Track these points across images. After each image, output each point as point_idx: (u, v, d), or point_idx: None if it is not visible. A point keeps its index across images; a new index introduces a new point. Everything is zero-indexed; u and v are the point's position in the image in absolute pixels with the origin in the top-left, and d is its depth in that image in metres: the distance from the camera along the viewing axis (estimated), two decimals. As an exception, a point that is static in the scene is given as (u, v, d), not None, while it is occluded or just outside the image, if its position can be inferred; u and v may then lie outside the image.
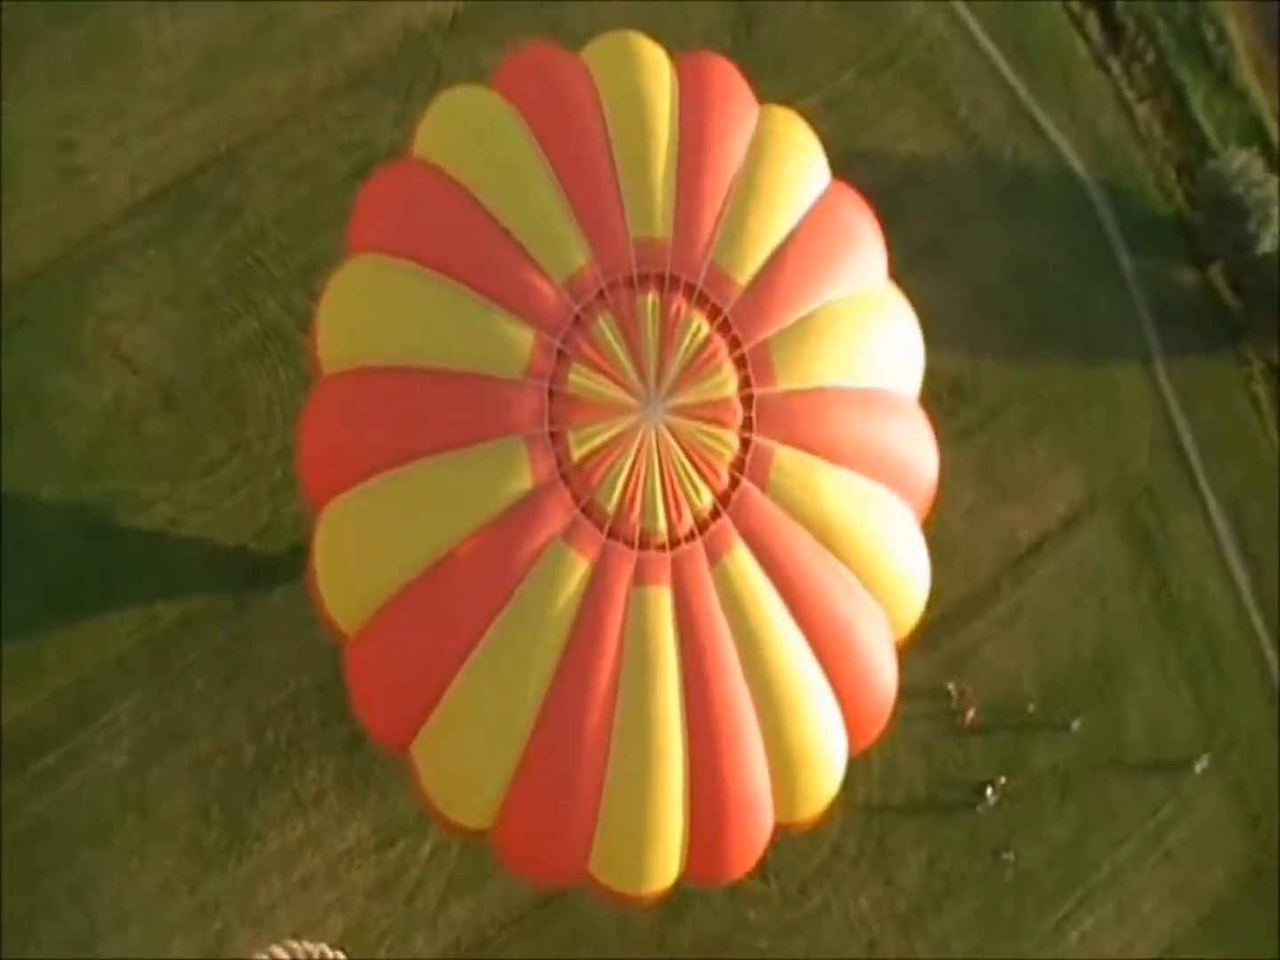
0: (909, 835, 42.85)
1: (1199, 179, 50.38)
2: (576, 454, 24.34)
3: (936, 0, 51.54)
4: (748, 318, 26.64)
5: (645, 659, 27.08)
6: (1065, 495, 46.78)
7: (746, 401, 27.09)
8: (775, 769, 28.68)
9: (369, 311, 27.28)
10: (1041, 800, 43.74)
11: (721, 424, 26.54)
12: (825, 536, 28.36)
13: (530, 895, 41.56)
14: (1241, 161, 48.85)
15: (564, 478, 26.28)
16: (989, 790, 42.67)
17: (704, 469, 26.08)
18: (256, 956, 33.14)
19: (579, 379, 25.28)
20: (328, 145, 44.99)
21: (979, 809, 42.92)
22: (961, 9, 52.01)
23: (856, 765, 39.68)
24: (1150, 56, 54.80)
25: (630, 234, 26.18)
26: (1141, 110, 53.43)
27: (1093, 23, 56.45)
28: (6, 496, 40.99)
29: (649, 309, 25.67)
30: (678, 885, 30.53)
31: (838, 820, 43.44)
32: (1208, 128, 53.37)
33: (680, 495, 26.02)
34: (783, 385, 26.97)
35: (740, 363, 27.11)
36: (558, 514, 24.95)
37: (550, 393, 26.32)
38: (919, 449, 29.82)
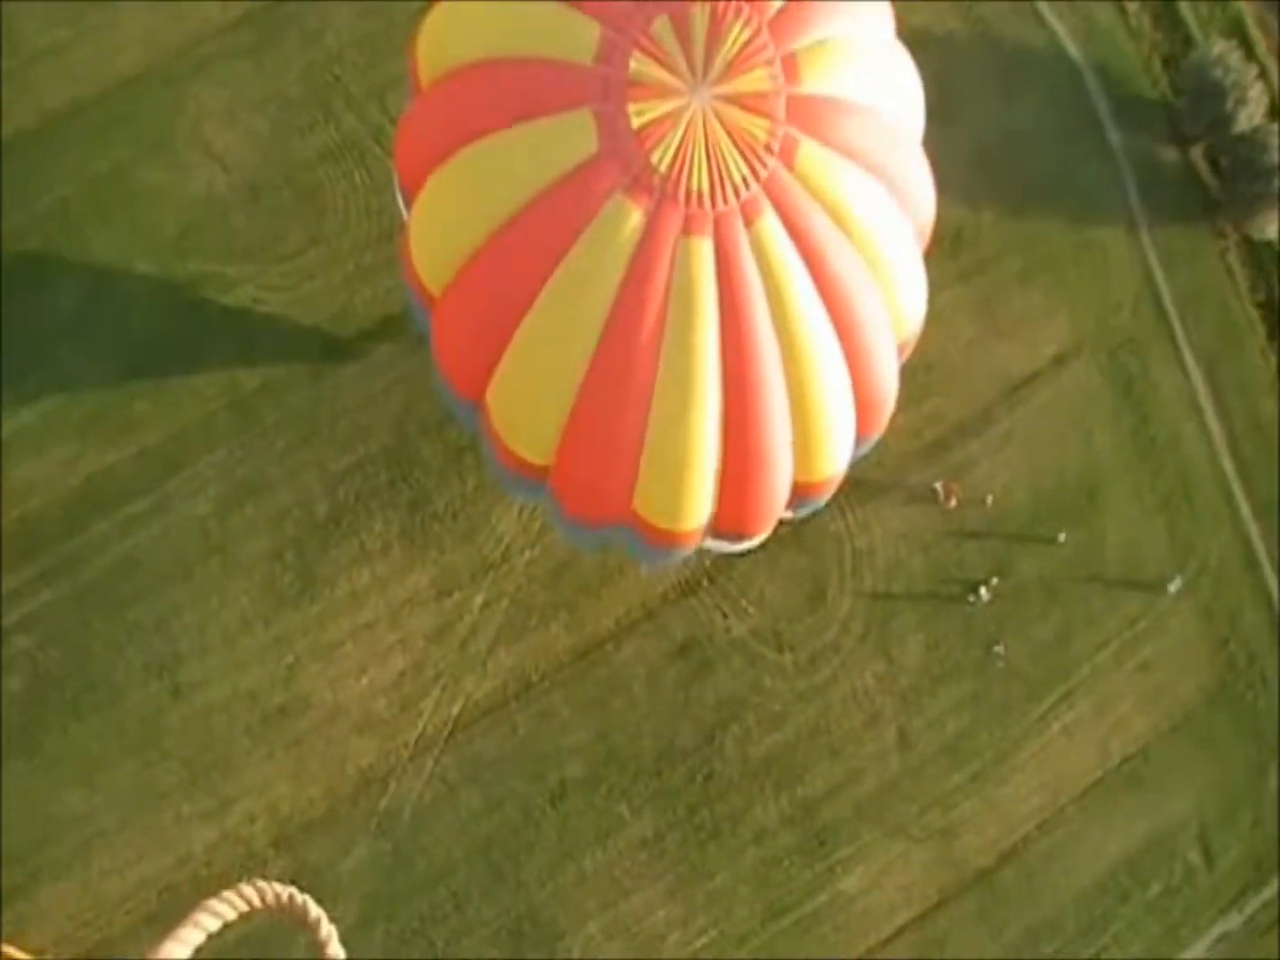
0: (909, 622, 55.26)
1: (1183, 67, 66.18)
2: (635, 123, 35.52)
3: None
4: (781, 31, 37.23)
5: (688, 304, 36.85)
6: (1055, 337, 60.04)
7: (778, 103, 36.75)
8: (796, 423, 39.07)
9: (461, 23, 39.10)
10: (1029, 603, 56.67)
11: (757, 112, 36.51)
12: (842, 223, 38.27)
13: (569, 645, 54.60)
14: (1222, 49, 62.52)
15: (623, 142, 35.89)
16: (982, 589, 55.27)
17: (741, 147, 36.61)
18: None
19: (638, 66, 36.04)
20: None
21: (973, 603, 55.06)
22: None
23: (864, 556, 52.71)
24: None
25: None
26: (1133, 6, 65.85)
27: None
28: (105, 271, 50.70)
29: (699, 14, 36.40)
30: (712, 531, 41.01)
31: (845, 603, 57.88)
32: (1192, 24, 67.99)
33: (720, 166, 36.35)
34: (808, 89, 37.37)
35: (773, 65, 36.69)
36: (617, 170, 35.89)
37: (613, 78, 36.00)
38: (922, 181, 42.11)
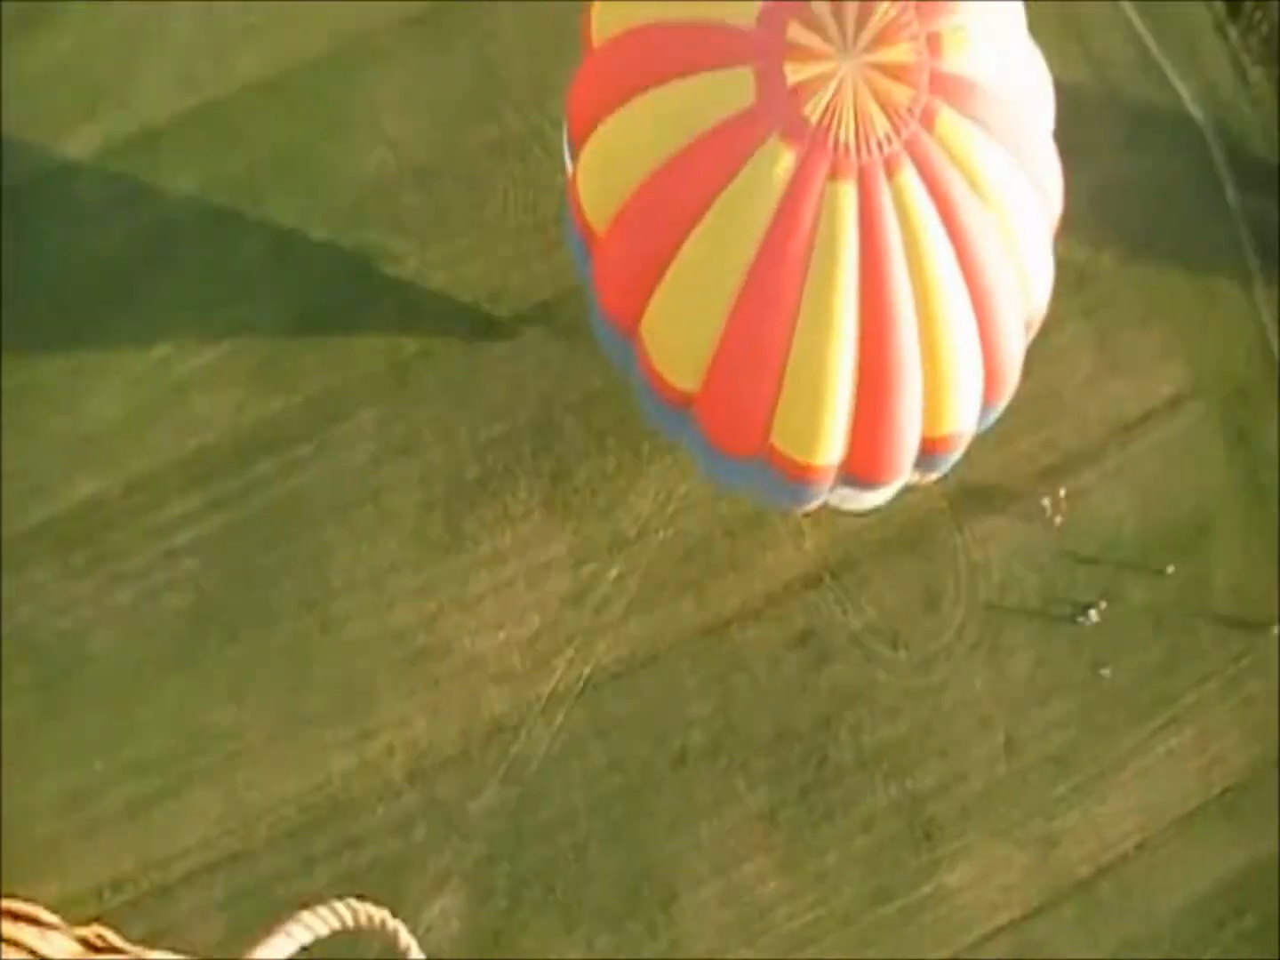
0: (1020, 636, 62.56)
1: None
2: (791, 80, 40.68)
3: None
4: (926, 12, 41.08)
5: (832, 243, 41.20)
6: (1171, 379, 68.49)
7: (921, 74, 40.77)
8: (926, 370, 43.19)
9: None
10: (1137, 629, 63.94)
11: (901, 80, 41.13)
12: (977, 188, 42.20)
13: (696, 622, 61.72)
14: None
15: (779, 95, 40.71)
16: (1092, 611, 62.51)
17: (886, 108, 41.13)
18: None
19: (795, 33, 41.12)
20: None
21: (1081, 623, 61.66)
22: None
23: (979, 569, 59.96)
24: (1264, 28, 74.81)
25: None
26: (1255, 74, 74.13)
27: None
28: (284, 232, 59.07)
29: None
30: (844, 474, 45.44)
31: (960, 612, 64.71)
32: None
33: (866, 123, 40.86)
34: (948, 66, 41.76)
35: (917, 40, 40.88)
36: (773, 119, 40.86)
37: (772, 41, 40.61)
38: (1053, 171, 46.12)
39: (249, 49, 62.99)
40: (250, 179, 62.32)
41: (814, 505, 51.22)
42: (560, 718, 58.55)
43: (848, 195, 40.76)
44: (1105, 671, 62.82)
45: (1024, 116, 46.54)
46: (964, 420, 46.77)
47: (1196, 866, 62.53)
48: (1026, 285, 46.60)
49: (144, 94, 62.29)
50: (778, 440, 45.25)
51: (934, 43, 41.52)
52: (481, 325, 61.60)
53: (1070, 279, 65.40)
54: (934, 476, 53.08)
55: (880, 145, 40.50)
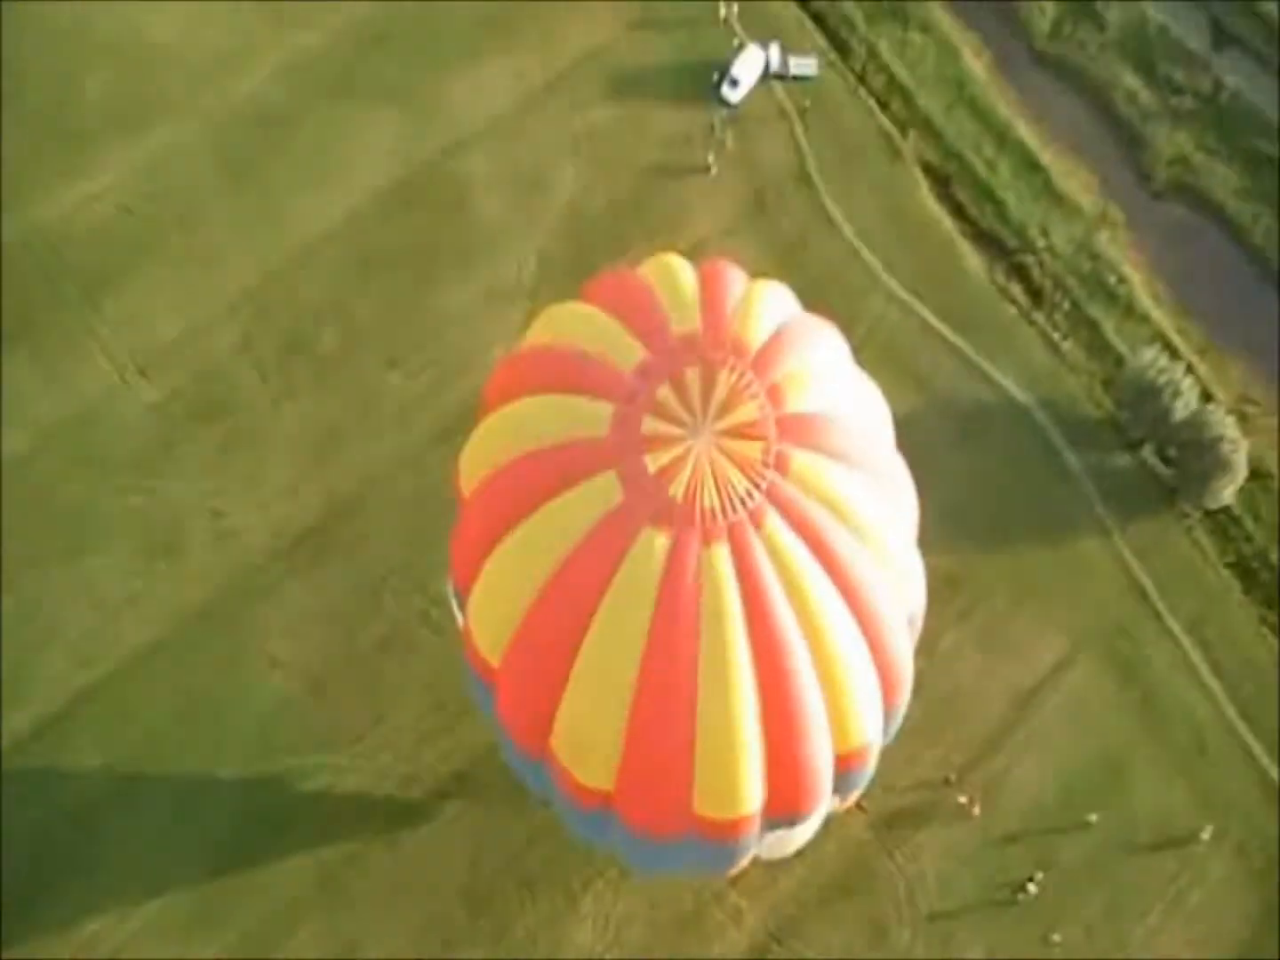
0: (968, 933, 69.73)
1: (1120, 382, 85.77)
2: (652, 469, 50.39)
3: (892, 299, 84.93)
4: (762, 367, 52.28)
5: (716, 605, 49.52)
6: (1052, 648, 76.76)
7: (768, 426, 51.27)
8: (826, 696, 51.17)
9: (493, 437, 55.28)
10: (1075, 886, 71.17)
11: (751, 437, 51.19)
12: (840, 515, 51.74)
13: None
14: (1150, 355, 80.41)
15: (645, 486, 50.39)
16: (1030, 885, 68.46)
17: (742, 467, 50.94)
18: None
19: (650, 426, 51.14)
20: (428, 490, 76.63)
21: (1022, 900, 67.81)
22: (911, 299, 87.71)
23: (916, 883, 67.31)
24: (1067, 305, 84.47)
25: (674, 332, 51.36)
26: (1066, 346, 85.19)
27: (1016, 288, 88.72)
28: (191, 781, 70.71)
29: (692, 374, 51.84)
30: (768, 816, 52.95)
31: (906, 934, 71.48)
32: (1122, 348, 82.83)
33: (726, 485, 50.52)
34: (792, 409, 52.25)
35: (759, 397, 51.63)
36: (642, 508, 50.11)
37: (629, 440, 50.62)
38: (903, 476, 56.91)
39: (133, 616, 74.53)
40: (152, 740, 72.63)
41: (746, 861, 56.98)
42: None
43: (722, 557, 49.28)
44: (1056, 937, 69.10)
45: (868, 434, 55.20)
46: (870, 730, 53.62)
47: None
48: (902, 587, 54.67)
49: (41, 683, 73.40)
50: (700, 808, 51.84)
51: (775, 393, 50.85)
52: (402, 813, 70.52)
53: (941, 589, 72.99)
54: (853, 797, 59.33)
55: (744, 501, 49.36)
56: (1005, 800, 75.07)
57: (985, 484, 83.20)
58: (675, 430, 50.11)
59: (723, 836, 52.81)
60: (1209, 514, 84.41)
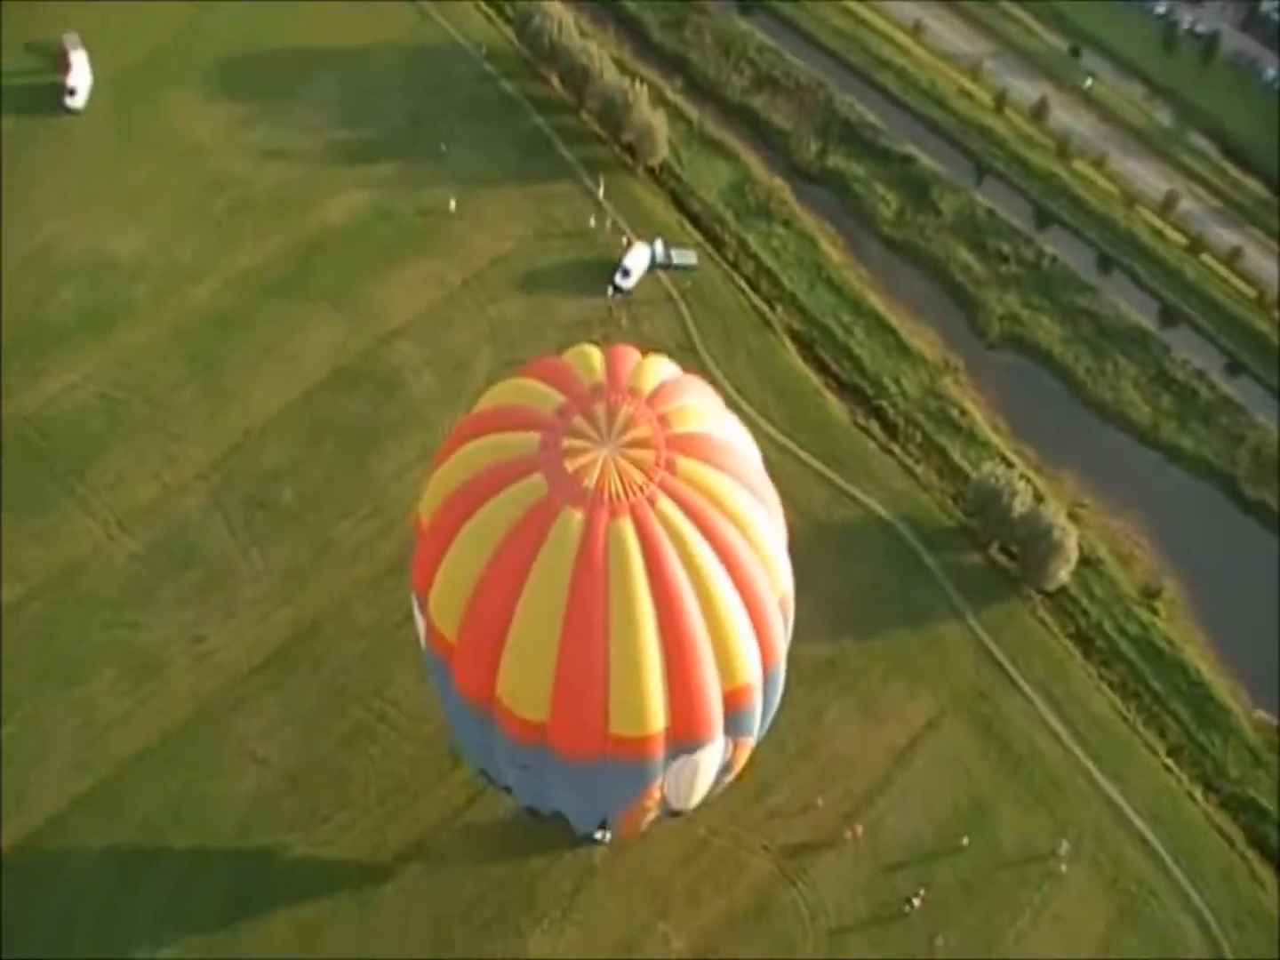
0: (864, 942, 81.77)
1: (969, 491, 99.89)
2: (570, 469, 64.79)
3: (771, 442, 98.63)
4: (653, 404, 67.54)
5: (623, 565, 63.55)
6: (923, 710, 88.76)
7: (659, 440, 66.11)
8: (714, 637, 64.26)
9: (441, 478, 68.75)
10: (953, 899, 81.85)
11: (646, 447, 66.02)
12: (719, 505, 65.86)
13: None
14: (991, 466, 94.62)
15: (565, 481, 64.74)
16: (915, 900, 79.83)
17: (641, 467, 65.53)
18: None
19: (568, 443, 65.80)
20: (380, 613, 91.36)
21: (909, 913, 79.02)
22: (786, 440, 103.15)
23: (815, 906, 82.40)
24: (918, 437, 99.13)
25: (584, 383, 68.55)
26: (920, 469, 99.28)
27: (874, 426, 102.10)
28: (187, 864, 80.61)
29: (600, 410, 66.84)
30: (670, 741, 64.98)
31: (810, 944, 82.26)
32: (967, 468, 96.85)
33: (627, 478, 65.10)
34: (678, 430, 67.13)
35: (651, 421, 66.64)
36: (562, 497, 64.28)
37: (552, 453, 65.28)
38: (772, 492, 70.61)
39: (124, 730, 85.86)
40: (147, 831, 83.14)
41: (653, 789, 68.07)
42: None
43: (626, 527, 64.23)
44: (939, 941, 79.89)
45: (740, 453, 70.18)
46: (751, 673, 66.69)
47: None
48: (771, 570, 68.36)
49: (41, 789, 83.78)
50: (616, 727, 64.50)
51: (664, 420, 66.65)
52: (370, 877, 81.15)
53: (824, 669, 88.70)
54: (742, 752, 70.70)
55: (641, 489, 64.75)
56: (889, 836, 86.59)
57: (859, 586, 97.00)
58: (588, 444, 65.40)
59: (634, 755, 65.02)
60: (1049, 596, 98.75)
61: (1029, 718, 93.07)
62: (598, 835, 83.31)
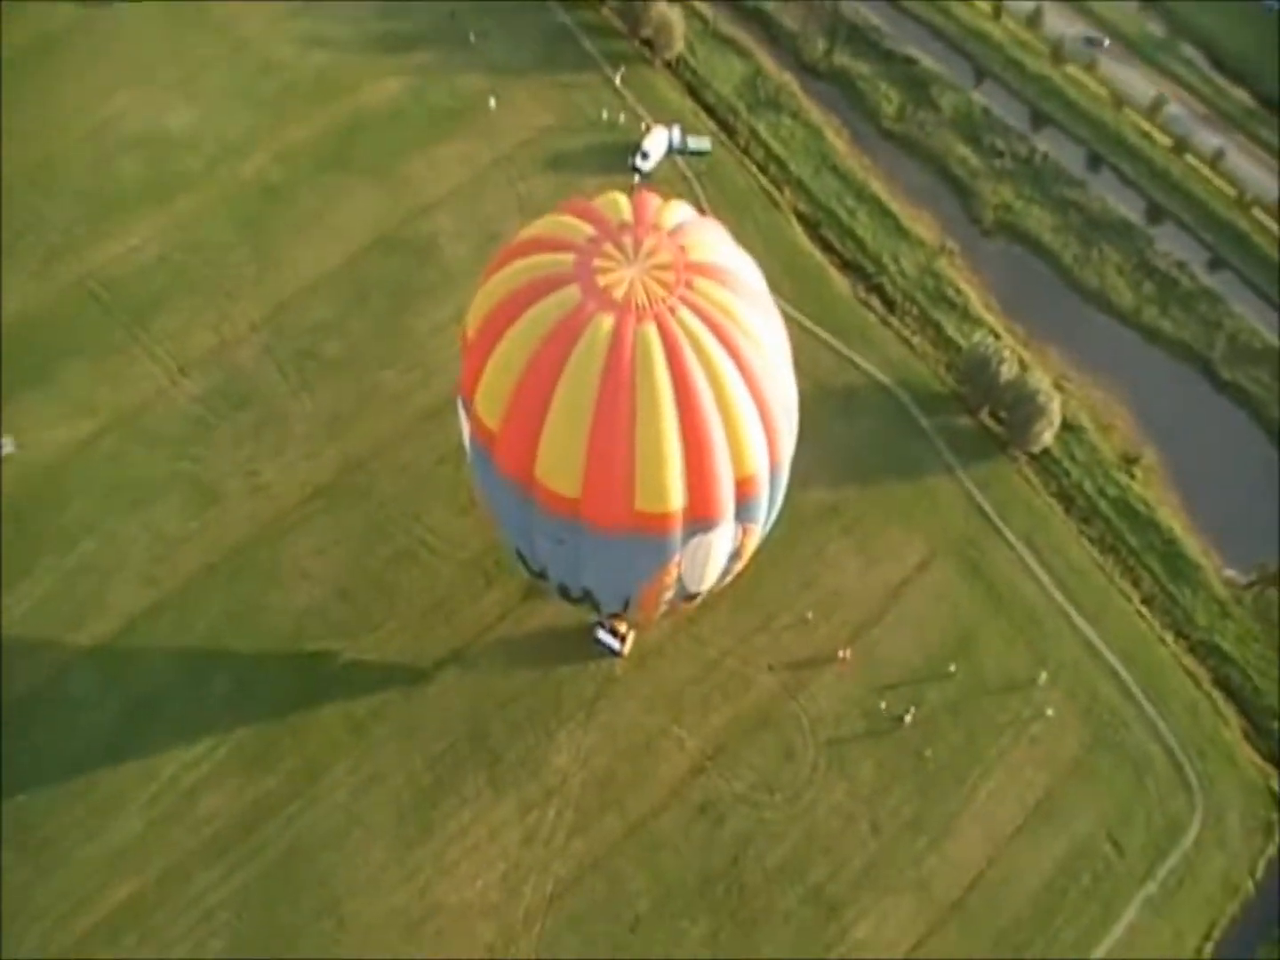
0: (859, 751, 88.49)
1: (959, 363, 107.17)
2: (601, 283, 71.97)
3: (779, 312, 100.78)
4: (673, 237, 74.41)
5: (648, 362, 70.61)
6: (915, 553, 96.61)
7: (679, 264, 73.08)
8: (727, 427, 71.40)
9: (486, 293, 75.48)
10: (941, 718, 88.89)
11: (667, 269, 72.95)
12: (731, 318, 72.92)
13: (622, 827, 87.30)
14: (979, 338, 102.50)
15: (597, 291, 72.08)
16: (906, 717, 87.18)
17: (663, 284, 72.60)
18: None
19: (599, 262, 72.88)
20: (419, 453, 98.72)
21: (902, 726, 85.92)
22: (792, 310, 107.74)
23: (816, 719, 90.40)
24: (915, 311, 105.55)
25: (612, 220, 75.53)
26: (916, 340, 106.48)
27: (875, 301, 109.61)
28: (250, 660, 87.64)
29: (629, 238, 73.75)
30: (687, 521, 72.07)
31: (810, 753, 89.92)
32: (961, 342, 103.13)
33: (651, 292, 72.34)
34: (694, 258, 74.07)
35: (673, 250, 73.74)
36: (594, 304, 71.47)
37: (585, 270, 72.58)
38: (776, 312, 77.27)
39: (189, 549, 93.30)
40: (211, 637, 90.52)
41: (671, 566, 75.09)
42: (538, 927, 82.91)
43: (651, 331, 71.64)
44: (928, 753, 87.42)
45: (749, 280, 77.20)
46: (758, 463, 74.05)
47: (1035, 861, 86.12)
48: (777, 378, 75.44)
49: (117, 599, 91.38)
50: (640, 504, 71.88)
51: (683, 250, 73.77)
52: (412, 679, 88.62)
53: (827, 513, 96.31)
54: (751, 539, 77.58)
55: (663, 300, 72.12)
56: (882, 660, 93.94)
57: (859, 441, 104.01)
58: (616, 265, 72.38)
59: (656, 529, 72.07)
60: (1034, 457, 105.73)
61: (1013, 564, 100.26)
62: (616, 646, 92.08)
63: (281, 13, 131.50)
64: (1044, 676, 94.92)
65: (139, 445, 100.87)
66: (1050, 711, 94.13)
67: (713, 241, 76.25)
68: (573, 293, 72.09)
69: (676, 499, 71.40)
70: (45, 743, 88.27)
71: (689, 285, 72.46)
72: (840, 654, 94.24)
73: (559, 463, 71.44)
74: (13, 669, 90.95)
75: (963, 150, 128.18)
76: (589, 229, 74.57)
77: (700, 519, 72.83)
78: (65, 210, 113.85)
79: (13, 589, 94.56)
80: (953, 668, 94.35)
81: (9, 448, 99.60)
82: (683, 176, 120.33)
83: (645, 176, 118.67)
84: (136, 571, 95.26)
